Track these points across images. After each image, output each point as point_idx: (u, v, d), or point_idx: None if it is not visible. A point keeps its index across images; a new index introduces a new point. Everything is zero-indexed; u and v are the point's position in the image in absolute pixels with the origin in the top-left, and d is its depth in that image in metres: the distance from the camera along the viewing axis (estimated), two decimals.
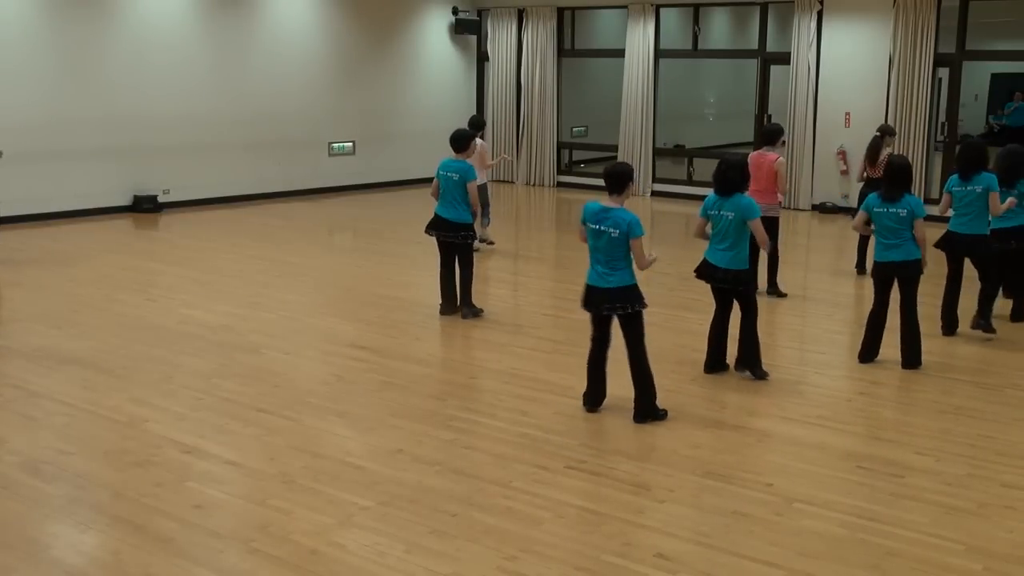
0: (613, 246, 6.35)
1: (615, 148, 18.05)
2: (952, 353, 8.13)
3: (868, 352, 7.82)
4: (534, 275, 11.36)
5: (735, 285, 7.26)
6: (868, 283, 10.80)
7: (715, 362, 7.51)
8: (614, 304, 6.40)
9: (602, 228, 6.35)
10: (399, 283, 10.72)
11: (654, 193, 17.81)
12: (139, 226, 14.05)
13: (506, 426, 6.41)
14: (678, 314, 9.34)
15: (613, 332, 6.60)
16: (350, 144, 17.75)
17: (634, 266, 6.42)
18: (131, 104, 14.55)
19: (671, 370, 7.61)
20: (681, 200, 17.01)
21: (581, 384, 7.06)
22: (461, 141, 9.18)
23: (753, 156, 9.70)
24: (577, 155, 19.63)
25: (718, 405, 6.88)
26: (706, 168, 18.07)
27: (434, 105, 18.85)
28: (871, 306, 7.83)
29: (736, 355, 7.50)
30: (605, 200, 6.45)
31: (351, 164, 17.79)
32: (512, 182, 19.13)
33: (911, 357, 7.67)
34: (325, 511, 5.13)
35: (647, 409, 6.52)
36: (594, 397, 6.70)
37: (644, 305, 6.47)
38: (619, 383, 7.10)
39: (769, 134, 10.05)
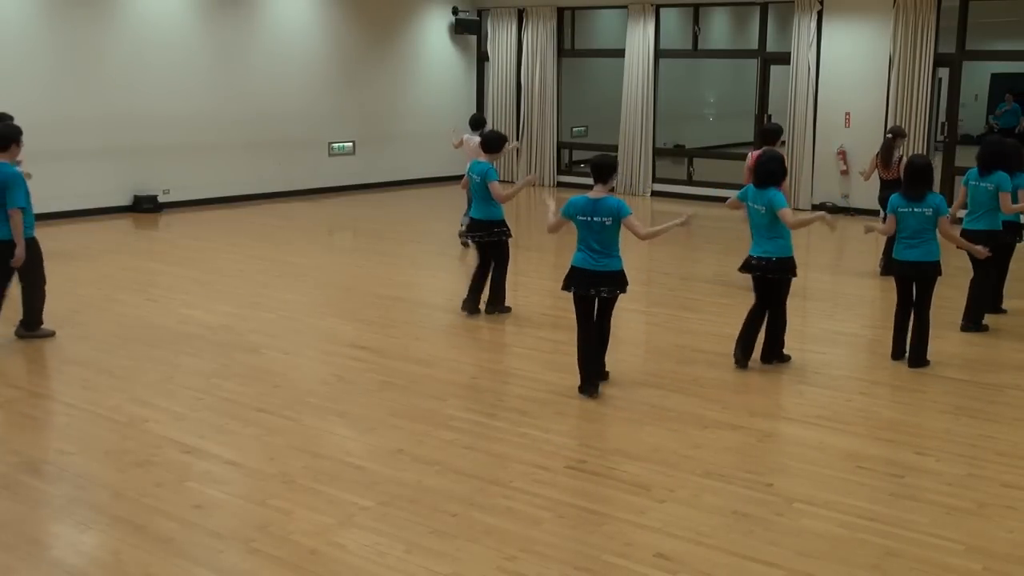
0: (607, 233, 6.73)
1: (615, 148, 18.04)
2: (953, 353, 8.13)
3: (899, 350, 7.90)
4: (534, 275, 11.35)
5: (776, 273, 7.51)
6: (871, 283, 10.87)
7: (747, 355, 7.67)
8: (607, 287, 6.76)
9: (594, 219, 6.70)
10: (399, 283, 10.72)
11: (654, 193, 17.81)
12: (139, 226, 14.05)
13: (506, 426, 6.40)
14: (679, 314, 9.34)
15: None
16: (350, 144, 17.76)
17: (619, 245, 6.81)
18: (131, 104, 14.56)
19: (672, 370, 7.62)
20: (681, 200, 17.00)
21: (580, 383, 7.10)
22: (488, 143, 9.31)
23: (753, 156, 9.90)
24: (577, 155, 19.63)
25: (719, 405, 6.88)
26: (706, 168, 18.11)
27: (434, 105, 18.85)
28: (895, 305, 7.91)
29: (762, 350, 7.76)
30: (592, 191, 6.83)
31: (351, 164, 17.79)
32: (512, 182, 19.12)
33: (919, 357, 7.73)
34: (325, 511, 5.13)
35: (601, 374, 7.06)
36: (592, 383, 6.91)
37: (625, 290, 6.88)
38: (622, 383, 7.12)
39: (769, 133, 10.14)
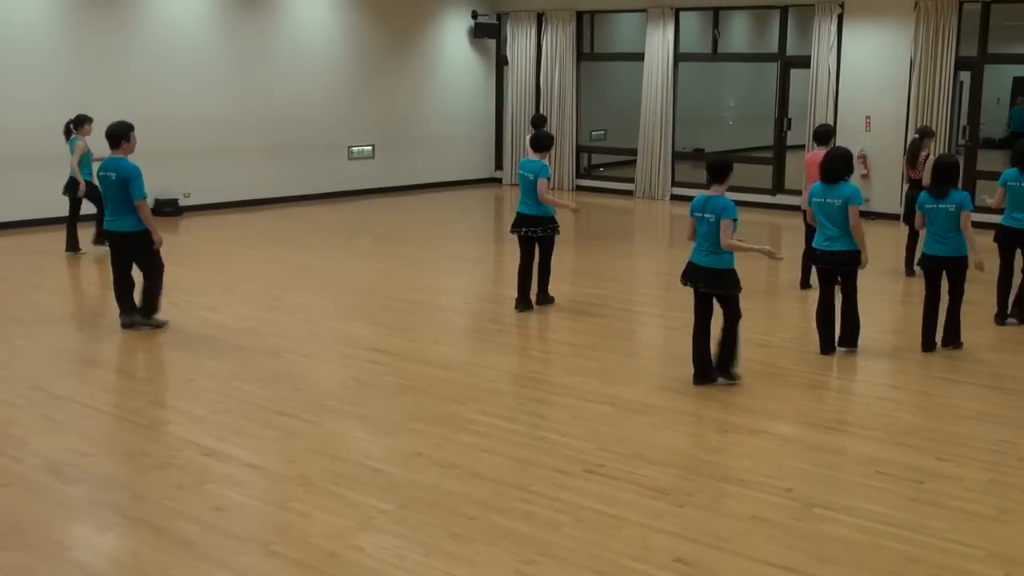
0: (712, 231, 7.04)
1: (634, 152, 18.03)
2: (974, 358, 8.08)
3: (928, 342, 8.17)
4: (553, 279, 11.35)
5: (846, 266, 7.87)
6: (892, 285, 10.82)
7: (829, 344, 8.10)
8: (708, 283, 7.11)
9: (703, 215, 7.09)
10: (418, 286, 10.74)
11: (673, 197, 17.76)
12: (160, 229, 14.07)
13: (524, 429, 6.41)
14: None
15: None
16: (370, 148, 17.80)
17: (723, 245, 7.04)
18: (152, 107, 14.61)
19: (690, 375, 7.59)
20: None
21: (599, 387, 7.11)
22: (539, 142, 9.56)
23: (808, 156, 10.75)
24: (596, 159, 19.62)
25: (738, 409, 6.86)
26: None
27: (453, 109, 18.89)
28: (924, 298, 8.20)
29: (839, 334, 8.13)
30: (709, 191, 7.18)
31: (371, 168, 17.83)
32: None
33: (950, 339, 8.11)
34: (344, 514, 5.15)
35: (726, 366, 7.27)
36: (705, 372, 7.24)
37: (738, 289, 7.14)
38: (641, 388, 7.10)
39: (823, 134, 10.39)
